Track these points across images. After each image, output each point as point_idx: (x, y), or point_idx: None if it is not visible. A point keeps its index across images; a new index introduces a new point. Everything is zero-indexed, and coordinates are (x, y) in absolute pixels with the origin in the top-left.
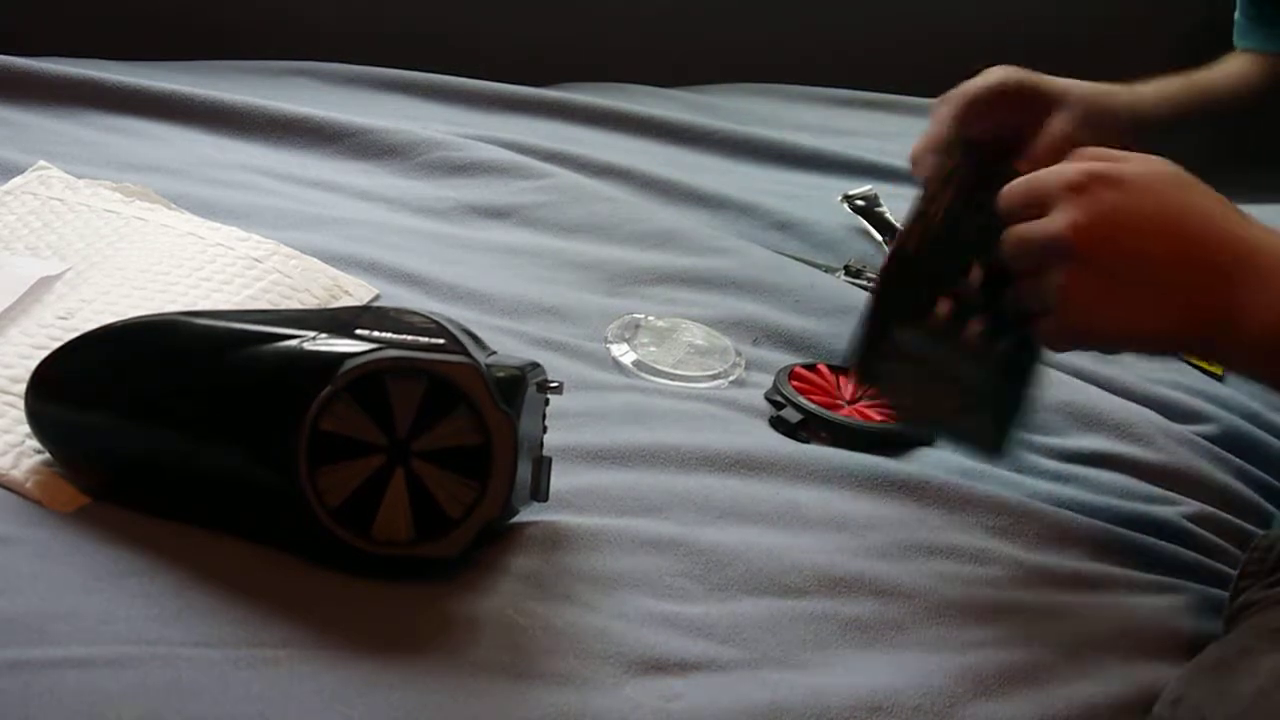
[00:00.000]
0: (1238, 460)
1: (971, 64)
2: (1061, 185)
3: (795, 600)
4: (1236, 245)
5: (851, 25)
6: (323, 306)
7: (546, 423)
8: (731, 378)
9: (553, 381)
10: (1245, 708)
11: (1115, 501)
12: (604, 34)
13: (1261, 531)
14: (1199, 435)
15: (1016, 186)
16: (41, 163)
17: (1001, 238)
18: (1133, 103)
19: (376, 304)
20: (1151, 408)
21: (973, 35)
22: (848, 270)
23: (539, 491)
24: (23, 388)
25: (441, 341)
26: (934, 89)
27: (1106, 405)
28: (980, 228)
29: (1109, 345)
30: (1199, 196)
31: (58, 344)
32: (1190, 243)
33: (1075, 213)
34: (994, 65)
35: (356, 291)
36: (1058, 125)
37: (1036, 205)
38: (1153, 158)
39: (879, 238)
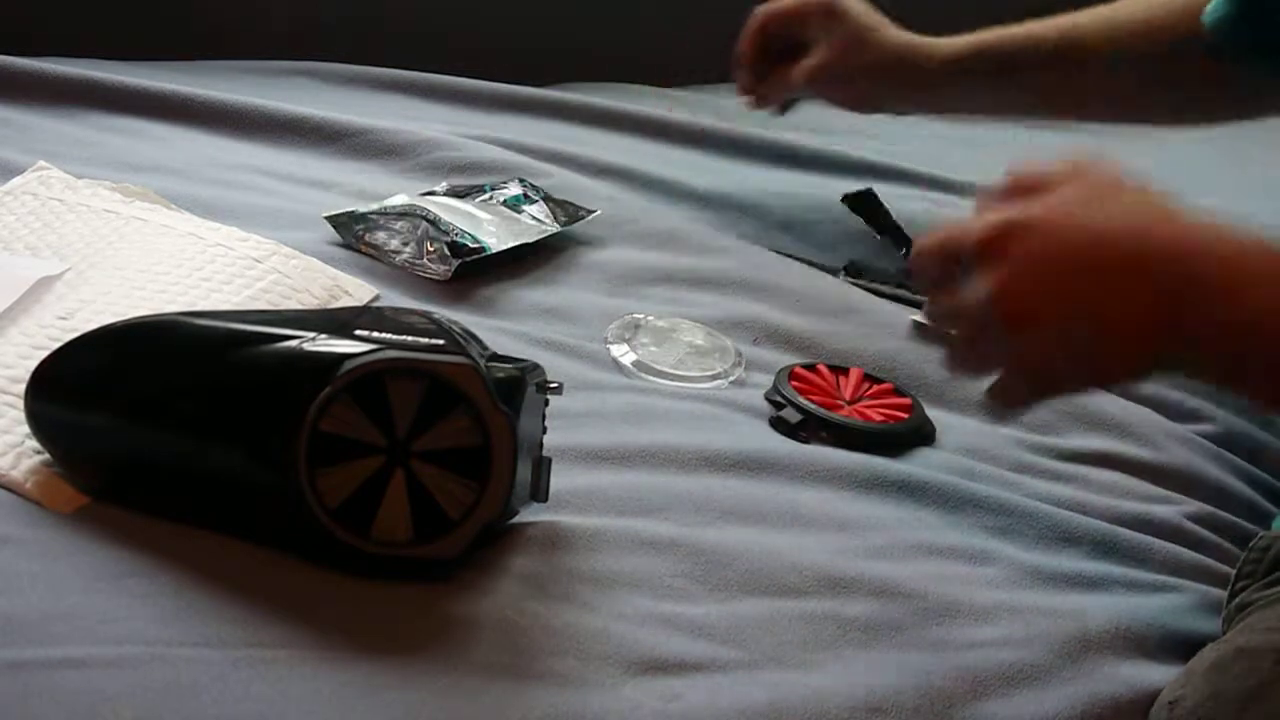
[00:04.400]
0: (1237, 460)
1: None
2: (974, 246)
3: (795, 600)
4: (1176, 261)
5: None
6: (322, 307)
7: (546, 423)
8: (731, 378)
9: (552, 382)
10: (1241, 709)
11: (1115, 501)
12: (604, 34)
13: (1261, 531)
14: (1199, 435)
15: (928, 250)
16: (41, 163)
17: (925, 310)
18: (940, 57)
19: (376, 304)
20: (1151, 407)
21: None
22: (847, 270)
23: (539, 492)
24: (22, 388)
25: (441, 342)
26: None
27: (1106, 405)
28: None
29: (1071, 394)
30: (1123, 212)
31: (57, 344)
32: (1123, 274)
33: (993, 278)
34: None
35: (356, 292)
36: (816, 57)
37: (952, 267)
38: (1075, 171)
39: (879, 238)
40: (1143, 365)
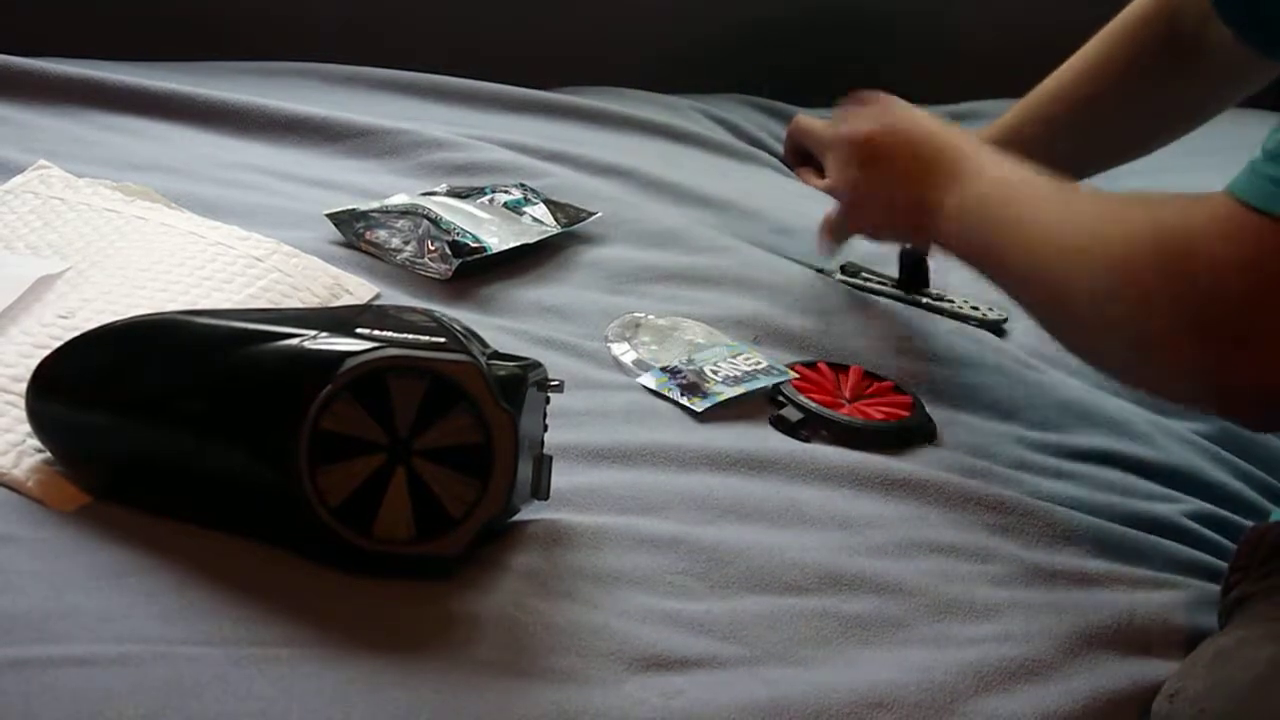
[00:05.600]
0: (1236, 459)
1: (971, 69)
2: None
3: (796, 598)
4: (934, 152)
5: (850, 36)
6: (323, 305)
7: (547, 421)
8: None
9: (553, 380)
10: (1244, 699)
11: (1115, 499)
12: (604, 39)
13: (1252, 524)
14: (1198, 433)
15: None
16: (42, 162)
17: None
18: None
19: (377, 303)
20: (1150, 406)
21: (972, 41)
22: (845, 270)
23: (540, 490)
24: (24, 386)
25: (442, 340)
26: (932, 95)
27: (1106, 403)
28: None
29: (877, 232)
30: (922, 124)
31: (59, 343)
32: (909, 158)
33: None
34: (990, 71)
35: (357, 290)
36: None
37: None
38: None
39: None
40: (908, 222)
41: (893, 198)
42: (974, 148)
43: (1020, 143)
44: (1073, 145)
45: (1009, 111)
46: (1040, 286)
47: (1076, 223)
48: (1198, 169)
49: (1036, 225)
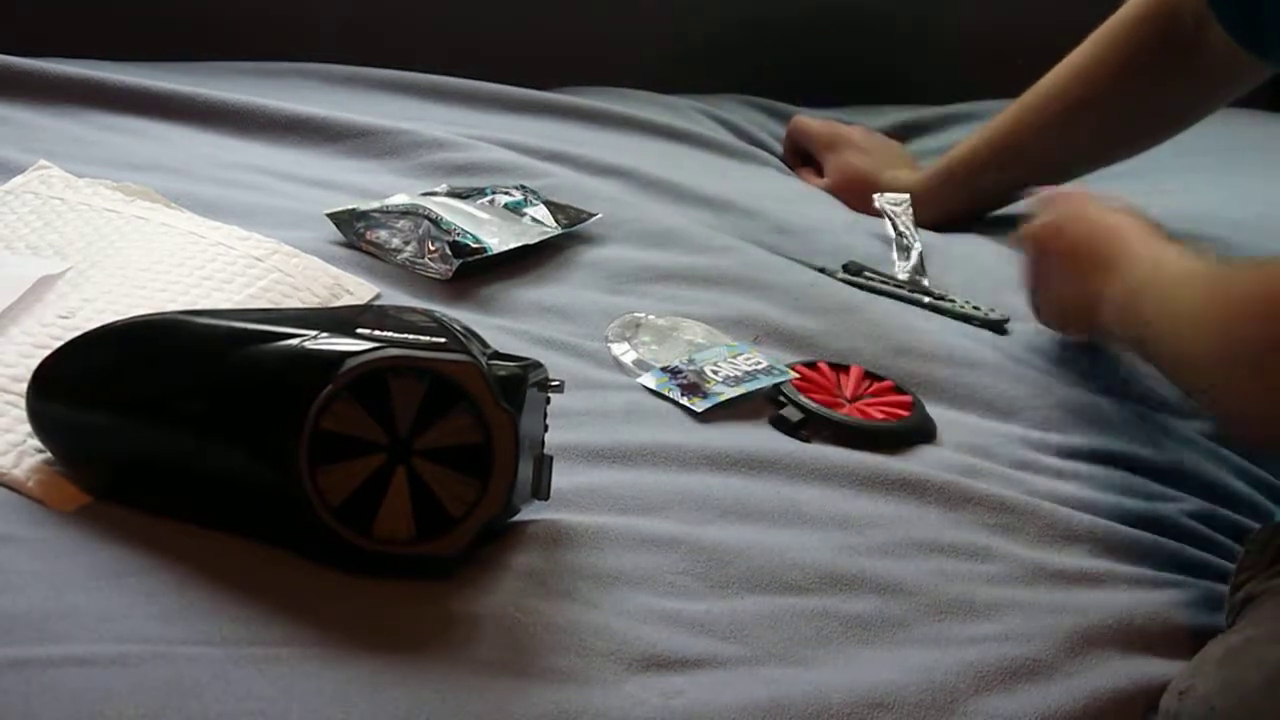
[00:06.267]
0: (1237, 458)
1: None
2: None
3: (797, 598)
4: (1116, 253)
5: (850, 36)
6: (324, 305)
7: (548, 421)
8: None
9: (554, 380)
10: (1255, 698)
11: (1116, 498)
12: (604, 39)
13: (1260, 524)
14: (1199, 433)
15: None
16: (42, 162)
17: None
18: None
19: (377, 303)
20: (1152, 405)
21: (972, 41)
22: (846, 269)
23: (540, 490)
24: (24, 387)
25: (443, 340)
26: (932, 95)
27: (1106, 403)
28: None
29: (1064, 323)
30: (1114, 219)
31: (59, 343)
32: (1089, 257)
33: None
34: (990, 71)
35: (358, 290)
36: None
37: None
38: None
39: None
40: (1088, 317)
41: (1063, 292)
42: (1136, 232)
43: (1016, 141)
44: (1067, 143)
45: (1004, 110)
46: (1193, 386)
47: (1224, 312)
48: (1194, 169)
49: (1185, 332)
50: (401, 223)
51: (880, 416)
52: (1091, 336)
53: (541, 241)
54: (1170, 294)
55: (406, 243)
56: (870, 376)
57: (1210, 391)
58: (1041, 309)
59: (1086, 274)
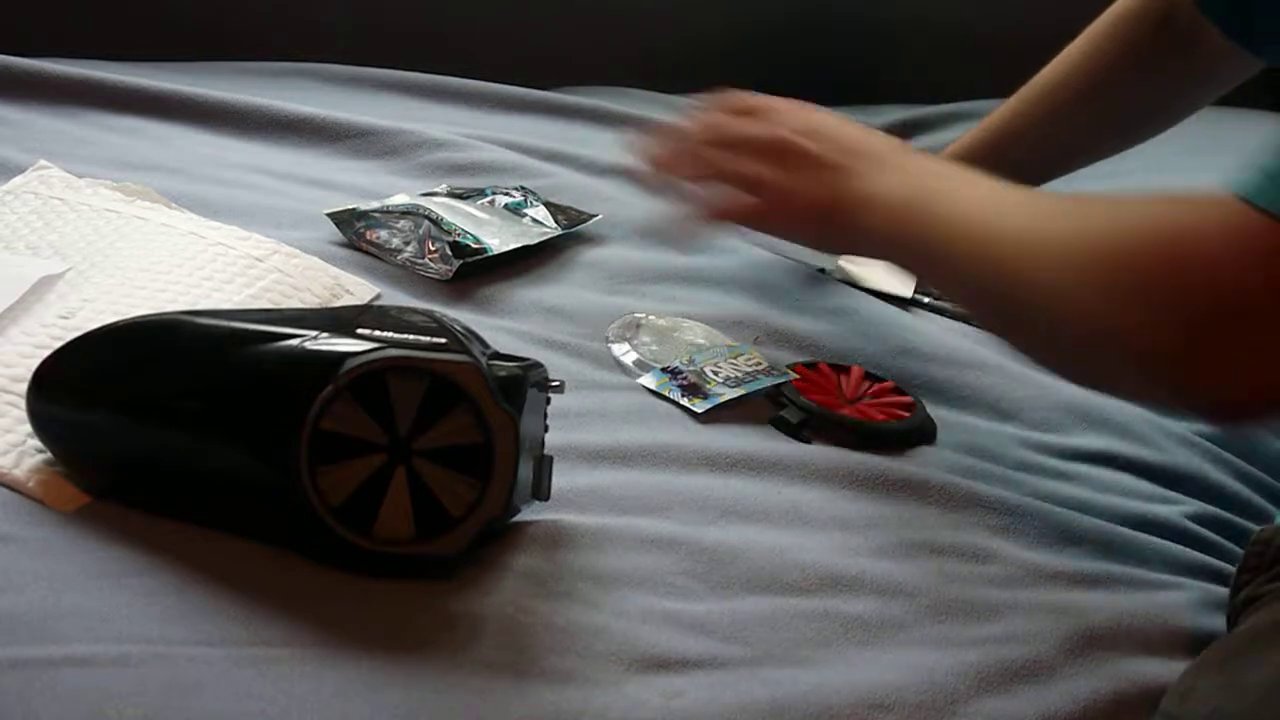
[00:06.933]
0: (1237, 460)
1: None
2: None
3: (797, 598)
4: (887, 151)
5: (850, 36)
6: (324, 306)
7: (548, 422)
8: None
9: (554, 380)
10: (1257, 700)
11: (1116, 500)
12: (604, 39)
13: (1261, 526)
14: (1199, 435)
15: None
16: (42, 162)
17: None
18: None
19: (377, 303)
20: (1151, 407)
21: (972, 40)
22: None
23: (540, 490)
24: (24, 387)
25: (443, 340)
26: (932, 95)
27: (1107, 404)
28: None
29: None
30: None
31: (59, 343)
32: (853, 149)
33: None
34: (990, 71)
35: (357, 291)
36: None
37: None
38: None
39: None
40: (828, 218)
41: (792, 186)
42: (909, 148)
43: (1013, 135)
44: (1064, 135)
45: (1001, 105)
46: (1002, 286)
47: (1050, 223)
48: (1207, 169)
49: (1001, 226)
50: (402, 223)
51: (881, 417)
52: (820, 243)
53: (542, 242)
54: (1007, 210)
55: (407, 243)
56: (871, 377)
57: (1047, 310)
58: (758, 216)
59: (841, 168)
